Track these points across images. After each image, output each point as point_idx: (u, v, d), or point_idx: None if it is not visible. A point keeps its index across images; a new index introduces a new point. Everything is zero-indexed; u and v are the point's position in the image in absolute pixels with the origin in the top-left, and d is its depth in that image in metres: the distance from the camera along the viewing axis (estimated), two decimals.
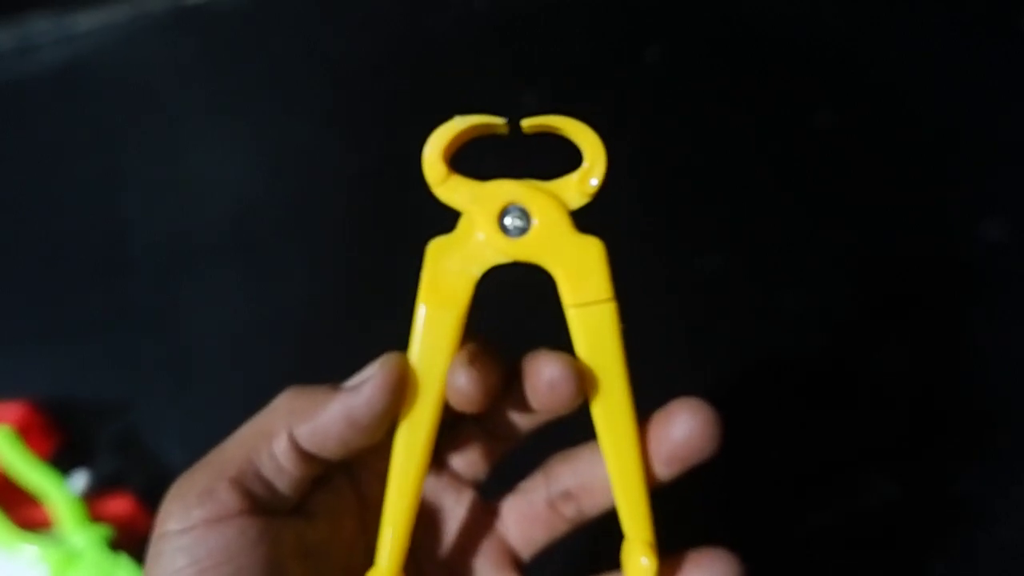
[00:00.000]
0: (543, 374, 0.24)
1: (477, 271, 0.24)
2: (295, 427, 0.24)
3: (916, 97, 0.56)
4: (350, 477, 0.27)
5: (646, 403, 0.26)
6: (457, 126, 0.24)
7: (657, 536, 0.26)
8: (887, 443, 0.48)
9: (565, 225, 0.24)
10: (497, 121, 0.24)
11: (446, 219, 0.25)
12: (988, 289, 0.51)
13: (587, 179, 0.24)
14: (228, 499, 0.23)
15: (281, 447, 0.24)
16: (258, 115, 0.60)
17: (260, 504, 0.24)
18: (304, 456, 0.24)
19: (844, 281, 0.52)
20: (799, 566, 0.46)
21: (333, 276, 0.55)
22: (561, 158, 0.25)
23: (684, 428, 0.25)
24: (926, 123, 0.56)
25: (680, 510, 0.29)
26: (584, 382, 0.24)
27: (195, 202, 0.57)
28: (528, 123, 0.25)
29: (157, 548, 0.23)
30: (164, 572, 0.23)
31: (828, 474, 0.48)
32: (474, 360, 0.24)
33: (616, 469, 0.25)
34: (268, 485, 0.24)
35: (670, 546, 0.27)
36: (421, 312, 0.24)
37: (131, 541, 0.45)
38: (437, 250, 0.24)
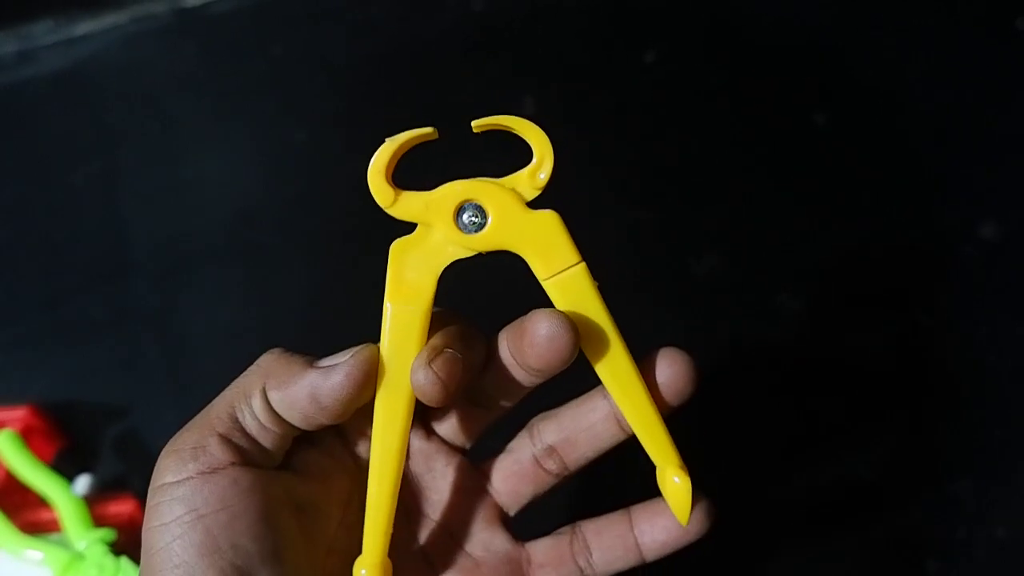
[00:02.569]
0: (540, 330, 0.24)
1: (438, 267, 0.26)
2: (268, 390, 0.25)
3: (913, 97, 0.57)
4: (342, 439, 0.29)
5: None
6: (390, 148, 0.25)
7: None
8: (884, 441, 0.48)
9: (519, 209, 0.25)
10: (426, 131, 0.26)
11: None
12: (983, 288, 0.51)
13: (537, 173, 0.25)
14: (219, 452, 0.25)
15: (257, 406, 0.25)
16: (258, 116, 0.60)
17: (248, 457, 0.25)
18: (278, 416, 0.26)
19: (840, 280, 0.52)
20: (796, 563, 0.47)
21: (333, 276, 0.55)
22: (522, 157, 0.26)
23: (666, 373, 0.27)
24: (923, 123, 0.56)
25: None
26: (579, 335, 0.25)
27: (195, 203, 0.57)
28: (478, 124, 0.26)
29: (155, 500, 0.24)
30: (163, 521, 0.24)
31: (826, 472, 0.48)
32: (434, 358, 0.25)
33: (629, 409, 0.26)
34: (252, 440, 0.26)
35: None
36: (388, 310, 0.25)
37: (133, 544, 0.45)
38: (400, 249, 0.26)
